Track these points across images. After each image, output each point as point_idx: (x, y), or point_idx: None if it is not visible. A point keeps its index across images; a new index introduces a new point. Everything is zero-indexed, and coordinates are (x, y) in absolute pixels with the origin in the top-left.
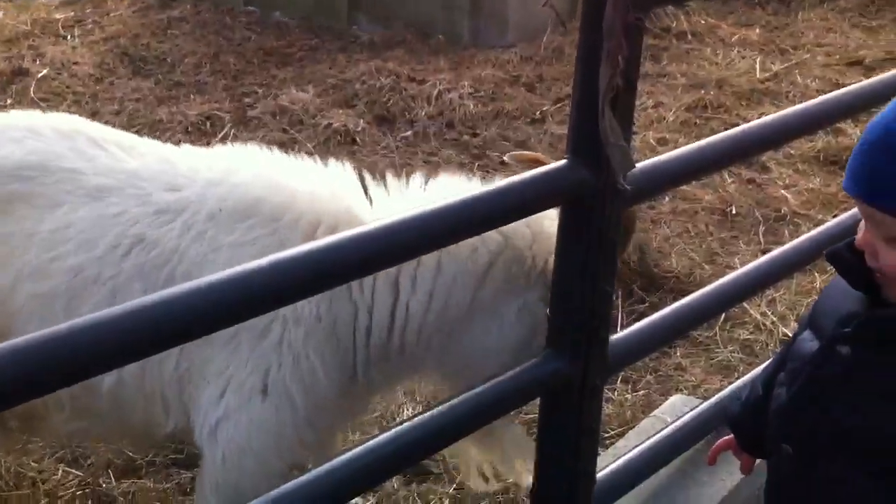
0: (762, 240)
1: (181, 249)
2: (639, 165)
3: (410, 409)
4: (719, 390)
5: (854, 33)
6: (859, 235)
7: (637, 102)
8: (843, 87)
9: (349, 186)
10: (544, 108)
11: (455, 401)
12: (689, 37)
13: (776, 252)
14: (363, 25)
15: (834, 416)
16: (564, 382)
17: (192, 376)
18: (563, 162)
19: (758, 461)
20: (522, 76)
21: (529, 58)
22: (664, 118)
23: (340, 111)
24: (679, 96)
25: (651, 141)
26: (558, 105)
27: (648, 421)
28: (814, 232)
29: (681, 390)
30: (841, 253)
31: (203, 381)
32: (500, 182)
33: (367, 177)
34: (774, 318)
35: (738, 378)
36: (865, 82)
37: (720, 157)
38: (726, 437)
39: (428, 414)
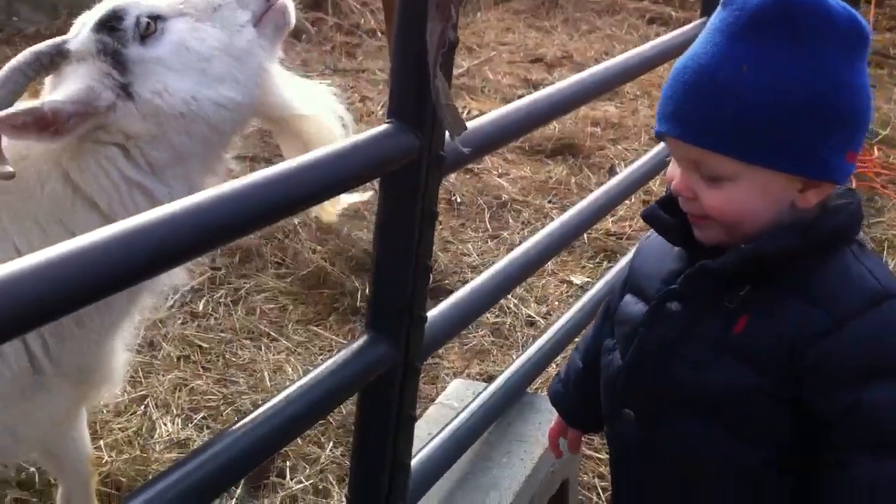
0: (489, 226)
1: None
2: None
3: (169, 425)
4: (480, 374)
5: (530, 33)
6: (676, 180)
7: (343, 96)
8: (531, 81)
9: None
10: None
11: (268, 410)
12: (380, 34)
13: (552, 227)
14: (25, 16)
15: (673, 374)
16: (389, 367)
17: None
18: (384, 127)
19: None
20: None
21: None
22: (373, 112)
23: None
24: (383, 90)
25: None
26: None
27: (434, 408)
28: (563, 219)
29: (444, 377)
30: (656, 213)
31: None
32: (318, 152)
33: None
34: (516, 300)
35: (493, 360)
36: (591, 71)
37: (530, 120)
38: (554, 422)
39: (230, 434)
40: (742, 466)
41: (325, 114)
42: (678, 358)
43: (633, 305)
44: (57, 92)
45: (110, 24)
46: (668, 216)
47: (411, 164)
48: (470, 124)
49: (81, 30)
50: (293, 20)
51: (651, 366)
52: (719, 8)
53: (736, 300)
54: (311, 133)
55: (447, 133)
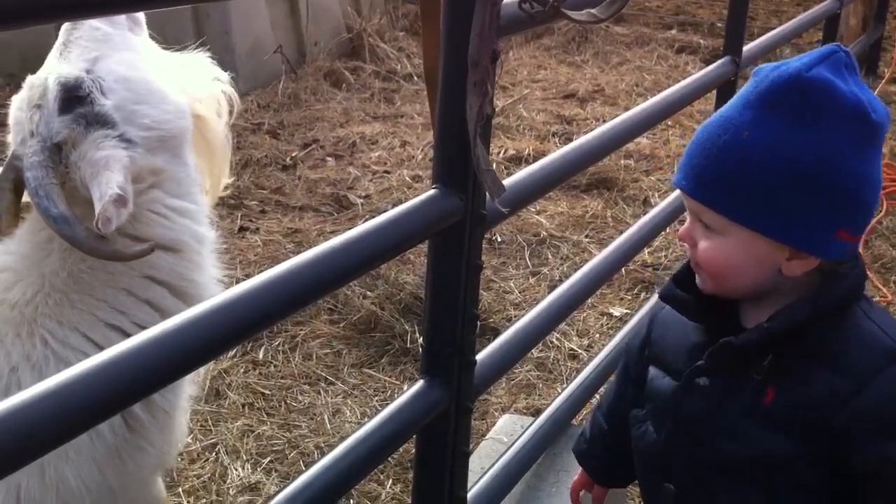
0: (529, 263)
1: None
2: None
3: (240, 469)
4: (527, 408)
5: (562, 69)
6: (683, 227)
7: (384, 142)
8: (564, 117)
9: None
10: (294, 154)
11: (335, 456)
12: (416, 78)
13: (591, 265)
14: None
15: (711, 446)
16: (443, 409)
17: None
18: (431, 192)
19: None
20: (264, 124)
21: (267, 105)
22: (413, 157)
23: None
24: (421, 135)
25: (406, 178)
26: (307, 150)
27: (486, 443)
28: (601, 256)
29: (493, 412)
30: (672, 292)
31: None
32: (372, 221)
33: None
34: (558, 335)
35: (538, 394)
36: (616, 120)
37: (566, 170)
38: (579, 476)
39: (301, 480)
40: None
41: (210, 86)
42: (714, 430)
43: (661, 380)
44: (96, 184)
45: (74, 97)
46: (683, 293)
47: (456, 224)
48: (510, 180)
49: (38, 124)
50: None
51: (688, 440)
52: (751, 76)
53: (762, 371)
54: (209, 114)
55: (488, 194)
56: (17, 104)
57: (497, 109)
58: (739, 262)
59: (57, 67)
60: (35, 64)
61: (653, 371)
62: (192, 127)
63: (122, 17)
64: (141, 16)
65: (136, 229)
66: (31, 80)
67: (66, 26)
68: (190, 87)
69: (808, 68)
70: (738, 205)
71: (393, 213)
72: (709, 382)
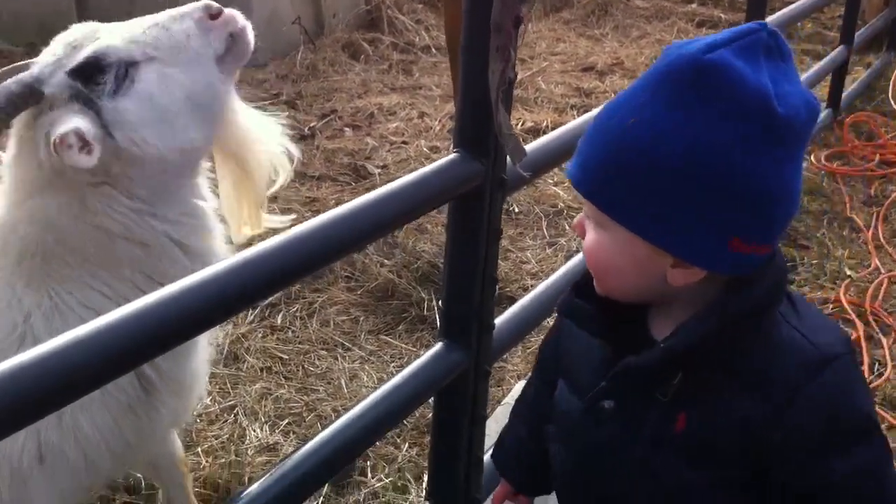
0: (546, 233)
1: None
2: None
3: (258, 431)
4: None
5: (581, 42)
6: (576, 218)
7: (402, 113)
8: (583, 90)
9: None
10: (312, 125)
11: (354, 414)
12: (434, 50)
13: None
14: None
15: (622, 475)
16: (462, 371)
17: None
18: (453, 156)
19: None
20: (282, 94)
21: (285, 76)
22: (431, 128)
23: None
24: (439, 106)
25: (424, 149)
26: (325, 120)
27: (501, 409)
28: None
29: (509, 380)
30: (572, 304)
31: None
32: (396, 183)
33: None
34: None
35: None
36: None
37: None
38: (500, 486)
39: (322, 436)
40: None
41: (275, 148)
42: (623, 458)
43: (567, 396)
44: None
45: (90, 74)
46: (584, 304)
47: (477, 188)
48: (529, 147)
49: (56, 68)
50: (252, 46)
51: (597, 469)
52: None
53: (669, 392)
54: (257, 165)
55: (509, 159)
56: (66, 35)
57: (516, 81)
58: (619, 263)
59: (120, 37)
60: (53, 33)
61: (561, 385)
62: (200, 157)
63: (219, 43)
64: (244, 53)
65: (89, 219)
66: (95, 27)
67: (172, 13)
68: (252, 140)
69: (709, 50)
70: (615, 199)
71: (415, 175)
72: (614, 405)
